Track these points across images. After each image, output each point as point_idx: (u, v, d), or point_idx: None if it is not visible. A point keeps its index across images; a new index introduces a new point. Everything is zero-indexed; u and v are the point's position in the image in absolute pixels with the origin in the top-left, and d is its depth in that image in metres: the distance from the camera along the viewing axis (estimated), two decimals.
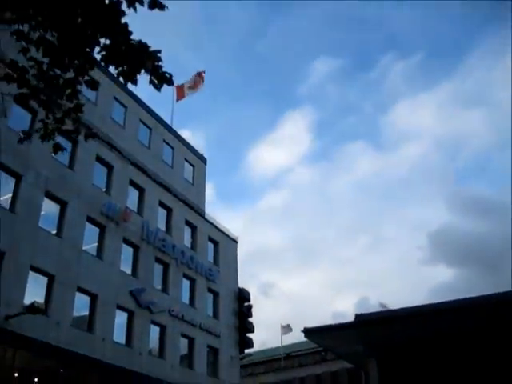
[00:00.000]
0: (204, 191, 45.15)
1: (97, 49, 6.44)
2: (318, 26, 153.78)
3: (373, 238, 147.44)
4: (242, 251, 79.78)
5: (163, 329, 33.88)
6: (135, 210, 34.52)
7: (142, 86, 7.16)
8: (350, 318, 12.04)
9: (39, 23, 6.30)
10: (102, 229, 31.11)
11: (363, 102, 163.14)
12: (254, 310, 44.07)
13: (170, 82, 6.70)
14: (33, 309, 21.95)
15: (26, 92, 7.11)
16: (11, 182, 26.12)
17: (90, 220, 30.29)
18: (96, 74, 9.74)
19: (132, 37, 6.37)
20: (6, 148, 23.18)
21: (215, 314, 40.05)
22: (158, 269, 35.26)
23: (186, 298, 37.22)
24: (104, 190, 32.34)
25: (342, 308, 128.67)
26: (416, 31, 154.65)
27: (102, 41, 6.34)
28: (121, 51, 6.31)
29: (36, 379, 24.89)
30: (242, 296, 43.62)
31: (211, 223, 43.02)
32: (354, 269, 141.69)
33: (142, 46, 6.43)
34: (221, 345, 39.41)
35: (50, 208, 28.11)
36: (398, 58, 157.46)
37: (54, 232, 27.87)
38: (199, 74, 44.75)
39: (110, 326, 29.58)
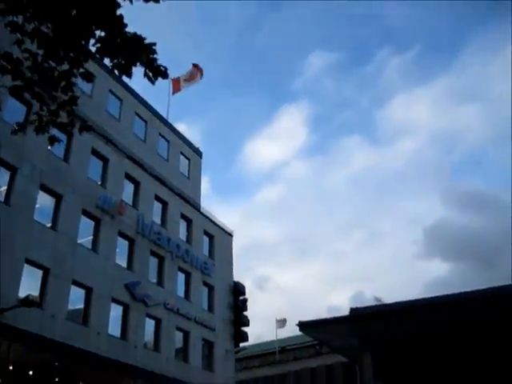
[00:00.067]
0: (199, 185, 45.11)
1: (92, 41, 6.40)
2: (315, 21, 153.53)
3: (368, 233, 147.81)
4: (237, 245, 79.66)
5: (158, 322, 33.89)
6: (130, 203, 34.47)
7: (138, 79, 7.12)
8: (345, 312, 12.07)
9: (34, 15, 6.25)
10: (98, 222, 31.06)
11: (359, 97, 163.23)
12: (249, 304, 44.14)
13: (164, 75, 6.67)
14: (28, 302, 21.86)
15: (20, 84, 7.07)
16: (6, 174, 26.05)
17: (86, 213, 30.24)
18: (91, 66, 9.69)
19: (127, 29, 6.34)
20: (0, 141, 23.09)
21: (210, 308, 40.06)
22: (153, 262, 35.23)
23: (181, 292, 37.21)
24: (99, 183, 32.27)
25: (337, 302, 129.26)
26: (412, 26, 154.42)
27: (97, 33, 6.30)
28: (116, 43, 6.27)
29: (31, 372, 24.89)
30: (237, 290, 43.63)
31: (207, 217, 42.98)
32: (349, 263, 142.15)
33: (138, 39, 6.39)
34: (216, 338, 39.44)
35: (45, 201, 28.04)
36: (394, 52, 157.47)
37: (49, 225, 27.82)
38: (196, 66, 44.49)
39: (105, 319, 29.57)
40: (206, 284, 40.11)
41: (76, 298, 28.34)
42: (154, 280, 34.92)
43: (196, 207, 42.01)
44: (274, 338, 62.78)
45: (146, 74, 6.51)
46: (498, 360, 11.81)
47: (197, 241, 40.44)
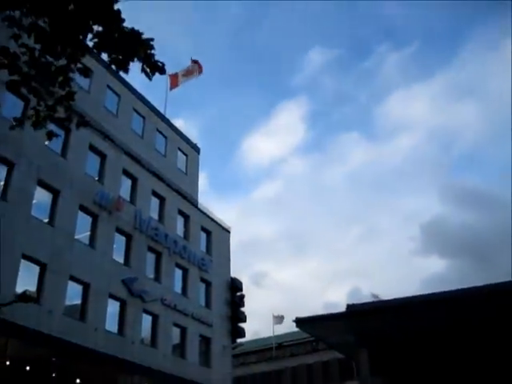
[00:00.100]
0: (197, 181, 45.08)
1: (89, 36, 6.38)
2: (314, 17, 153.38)
3: (365, 229, 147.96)
4: (234, 241, 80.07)
5: (155, 318, 33.90)
6: (128, 199, 34.44)
7: (135, 75, 7.13)
8: (342, 309, 12.09)
9: (31, 9, 6.23)
10: (95, 218, 31.03)
11: (357, 93, 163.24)
12: (246, 300, 44.15)
13: (162, 70, 6.66)
14: (25, 297, 21.83)
15: (17, 79, 7.05)
16: (3, 170, 26.02)
17: (83, 209, 30.21)
18: (89, 61, 9.67)
19: (125, 24, 6.32)
20: None
21: (207, 304, 40.07)
22: (151, 258, 35.23)
23: (178, 288, 37.22)
24: (97, 178, 32.23)
25: (334, 298, 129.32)
26: (411, 22, 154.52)
27: (95, 28, 6.29)
28: (113, 38, 6.26)
29: (28, 368, 24.89)
30: (235, 286, 43.65)
31: (204, 213, 42.97)
32: (346, 259, 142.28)
33: (135, 34, 6.38)
34: (213, 334, 39.47)
35: (42, 196, 28.01)
36: (393, 48, 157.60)
37: (47, 221, 27.79)
38: (196, 62, 44.39)
39: (103, 315, 29.57)
40: (203, 280, 40.11)
41: (73, 294, 28.32)
42: (152, 276, 34.92)
43: (193, 203, 41.99)
44: (271, 334, 62.94)
45: (143, 70, 6.51)
46: (494, 356, 11.84)
47: (194, 237, 40.44)
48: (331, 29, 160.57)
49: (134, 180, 35.54)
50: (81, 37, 6.39)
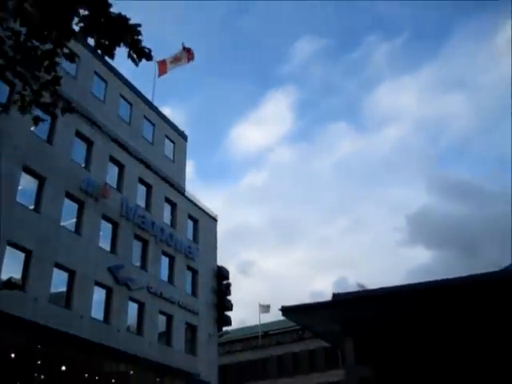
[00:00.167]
0: (184, 168, 44.90)
1: (76, 20, 6.29)
2: (303, 6, 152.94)
3: (352, 219, 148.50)
4: (221, 229, 79.99)
5: (141, 306, 33.86)
6: (115, 186, 34.25)
7: (123, 61, 7.04)
8: (328, 298, 12.10)
9: None
10: (81, 205, 30.84)
11: (346, 83, 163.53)
12: (232, 289, 44.23)
13: (149, 57, 6.59)
14: (10, 284, 21.69)
15: (2, 63, 6.96)
16: None
17: (69, 196, 30.00)
18: (76, 47, 9.55)
19: (112, 10, 6.24)
20: None
21: (194, 292, 40.10)
22: (137, 246, 35.14)
23: (164, 276, 37.18)
24: (83, 165, 31.99)
25: (320, 288, 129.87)
26: (401, 13, 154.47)
27: (81, 12, 6.20)
28: (100, 23, 6.17)
29: (13, 355, 24.78)
30: (221, 274, 43.71)
31: (191, 201, 42.88)
32: (333, 249, 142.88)
33: (122, 19, 6.31)
34: (199, 322, 39.53)
35: (27, 183, 27.79)
36: (382, 39, 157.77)
37: (32, 207, 27.59)
38: (187, 50, 43.96)
39: (88, 303, 29.48)
40: (189, 268, 40.10)
41: (59, 281, 28.17)
42: (138, 264, 34.84)
43: (180, 191, 41.88)
44: (257, 323, 63.14)
45: (129, 55, 6.43)
46: (478, 344, 11.93)
47: (181, 225, 40.38)
48: (320, 18, 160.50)
49: (121, 167, 35.35)
50: (67, 20, 6.29)
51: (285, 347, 60.78)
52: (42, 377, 25.42)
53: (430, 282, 11.45)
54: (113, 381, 30.05)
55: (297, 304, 12.87)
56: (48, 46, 6.79)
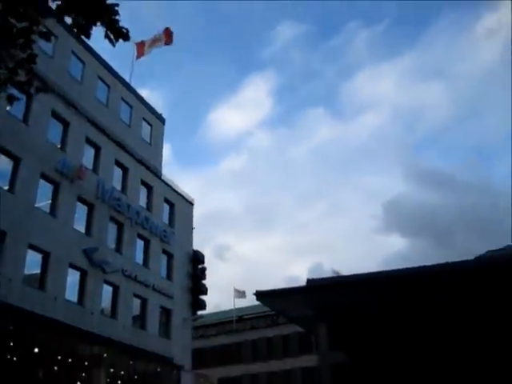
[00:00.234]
0: (161, 152, 44.67)
1: None
2: None
3: (329, 205, 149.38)
4: (197, 213, 79.87)
5: (116, 289, 33.77)
6: (91, 168, 33.96)
7: (101, 42, 6.95)
8: (304, 283, 12.14)
9: None
10: (56, 186, 30.54)
11: (325, 69, 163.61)
12: (208, 273, 44.33)
13: (126, 37, 6.52)
14: None
15: None
16: None
17: (44, 177, 29.69)
18: (53, 26, 9.41)
19: None
20: None
21: (169, 276, 40.09)
22: (113, 228, 34.98)
23: (139, 259, 37.10)
24: (59, 146, 31.65)
25: (296, 273, 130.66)
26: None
27: None
28: (76, 1, 6.08)
29: None
30: (197, 258, 43.75)
31: (167, 184, 42.74)
32: (309, 235, 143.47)
33: None
34: (174, 306, 39.56)
35: (2, 163, 27.45)
36: (363, 25, 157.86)
37: (6, 188, 27.26)
38: (167, 32, 43.52)
39: (63, 285, 29.32)
40: (165, 252, 40.05)
41: (33, 263, 27.97)
42: (113, 246, 34.70)
43: (157, 174, 41.69)
44: (232, 307, 63.40)
45: (106, 35, 6.35)
46: (453, 332, 12.08)
47: (157, 208, 40.25)
48: (301, 4, 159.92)
49: (97, 149, 35.04)
50: None
51: (259, 332, 61.21)
52: (15, 359, 25.26)
53: (406, 269, 11.53)
54: (86, 363, 29.98)
55: (271, 289, 12.89)
56: (24, 24, 6.67)
